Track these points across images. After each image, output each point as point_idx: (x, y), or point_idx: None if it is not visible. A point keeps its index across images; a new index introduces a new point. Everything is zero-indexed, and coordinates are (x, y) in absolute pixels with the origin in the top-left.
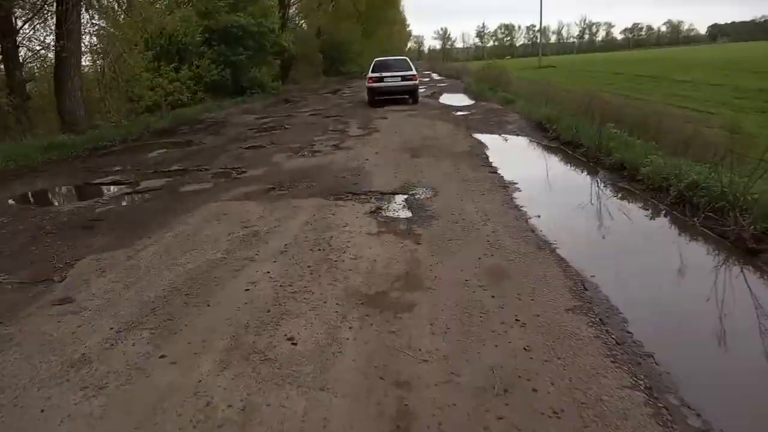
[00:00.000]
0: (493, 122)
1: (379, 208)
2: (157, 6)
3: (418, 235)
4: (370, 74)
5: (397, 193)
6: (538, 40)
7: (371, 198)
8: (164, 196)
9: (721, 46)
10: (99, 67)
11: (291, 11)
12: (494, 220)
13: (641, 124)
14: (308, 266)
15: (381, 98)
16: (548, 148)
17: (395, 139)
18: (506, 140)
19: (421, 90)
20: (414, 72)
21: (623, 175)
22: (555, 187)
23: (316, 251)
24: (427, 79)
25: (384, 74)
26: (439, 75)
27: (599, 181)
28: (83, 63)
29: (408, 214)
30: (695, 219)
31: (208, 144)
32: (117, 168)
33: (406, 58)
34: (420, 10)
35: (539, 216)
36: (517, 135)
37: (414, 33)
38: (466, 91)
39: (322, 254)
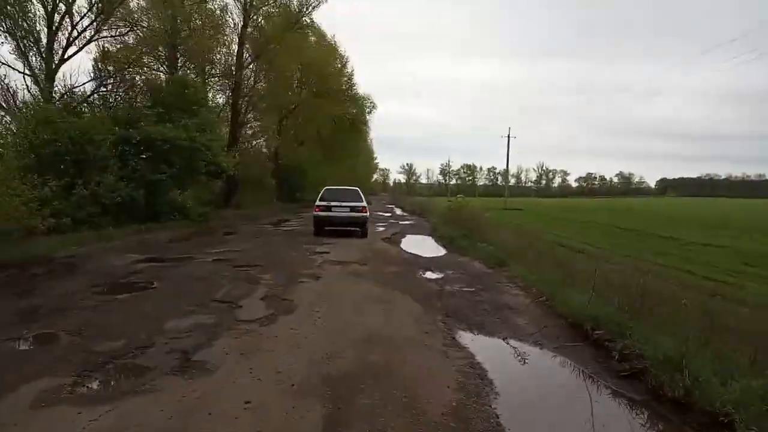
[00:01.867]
0: (485, 304)
1: None
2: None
3: None
4: (317, 202)
5: None
6: (502, 182)
7: None
8: None
9: (675, 199)
10: None
11: (245, 131)
12: None
13: None
14: None
15: (328, 228)
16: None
17: (313, 337)
18: (530, 366)
19: (380, 228)
20: (364, 204)
21: None
22: None
23: None
24: (389, 215)
25: (332, 203)
26: (403, 210)
27: None
28: None
29: None
30: None
31: None
32: None
33: (357, 189)
34: (383, 142)
35: None
36: (540, 347)
37: (380, 166)
38: (433, 234)
39: None
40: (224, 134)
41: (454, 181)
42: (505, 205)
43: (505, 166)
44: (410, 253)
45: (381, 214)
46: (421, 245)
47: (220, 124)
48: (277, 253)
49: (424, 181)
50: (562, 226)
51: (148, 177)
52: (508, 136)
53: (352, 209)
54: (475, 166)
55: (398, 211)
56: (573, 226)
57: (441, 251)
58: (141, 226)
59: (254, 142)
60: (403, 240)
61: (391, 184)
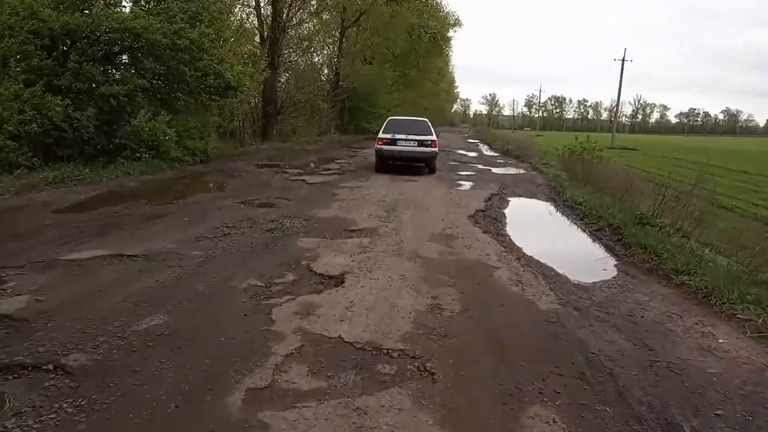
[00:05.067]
0: None
1: None
2: None
3: None
4: (380, 135)
5: None
6: (593, 116)
7: None
8: None
9: None
10: None
11: (288, 38)
12: None
13: None
14: None
15: (391, 164)
16: None
17: None
18: None
19: (463, 183)
20: (434, 137)
21: None
22: None
23: None
24: (474, 155)
25: (397, 136)
26: (491, 148)
27: None
28: None
29: None
30: None
31: None
32: None
33: (426, 120)
34: (464, 71)
35: None
36: None
37: (461, 96)
38: (561, 202)
39: None
40: (252, 38)
41: (539, 114)
42: (611, 144)
43: (593, 98)
44: (555, 272)
45: (463, 153)
46: (567, 237)
47: (250, 33)
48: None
49: (507, 112)
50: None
51: (100, 88)
52: (623, 60)
53: (420, 143)
54: (563, 98)
55: (485, 149)
56: (722, 176)
57: (627, 273)
58: (56, 173)
59: (305, 57)
60: (510, 219)
61: (472, 116)
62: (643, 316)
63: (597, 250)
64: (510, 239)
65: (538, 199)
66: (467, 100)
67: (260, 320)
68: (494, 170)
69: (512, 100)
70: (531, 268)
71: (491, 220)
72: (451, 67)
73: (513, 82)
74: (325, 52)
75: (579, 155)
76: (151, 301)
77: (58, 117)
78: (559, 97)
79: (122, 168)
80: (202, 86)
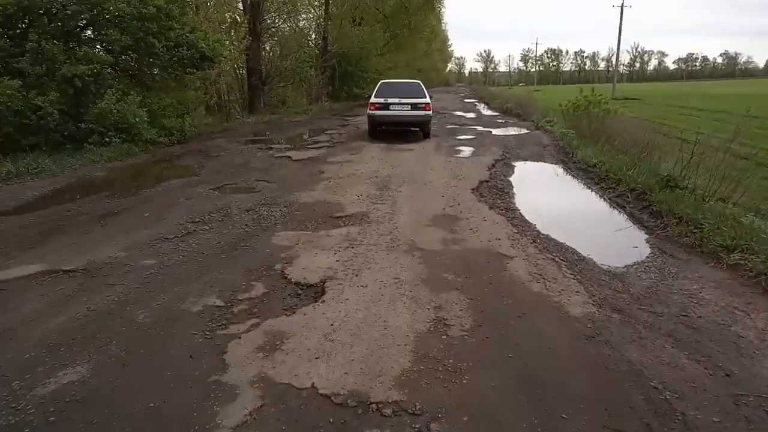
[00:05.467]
0: None
1: None
2: None
3: None
4: (372, 99)
5: None
6: (591, 67)
7: None
8: None
9: None
10: None
11: (270, 3)
12: None
13: None
14: None
15: (384, 129)
16: None
17: None
18: None
19: (463, 149)
20: (427, 100)
21: None
22: None
23: None
24: (473, 116)
25: (390, 100)
26: (489, 107)
27: None
28: None
29: None
30: None
31: None
32: None
33: (419, 83)
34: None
35: None
36: None
37: (455, 54)
38: (574, 166)
39: None
40: (233, 4)
41: (536, 68)
42: (612, 95)
43: (591, 48)
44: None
45: (461, 115)
46: (586, 220)
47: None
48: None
49: (503, 69)
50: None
51: (62, 69)
52: (621, 6)
53: (414, 107)
54: (560, 50)
55: (483, 109)
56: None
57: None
58: (9, 167)
59: (290, 22)
60: (518, 189)
61: (467, 74)
62: (700, 316)
63: (621, 222)
64: (521, 214)
65: (546, 162)
66: (462, 58)
67: (210, 365)
68: (495, 132)
69: (508, 56)
70: (550, 254)
71: (497, 191)
72: (443, 24)
73: (507, 38)
74: (311, 15)
75: (585, 110)
76: (72, 342)
77: (17, 103)
78: (555, 50)
79: (90, 155)
80: (175, 59)
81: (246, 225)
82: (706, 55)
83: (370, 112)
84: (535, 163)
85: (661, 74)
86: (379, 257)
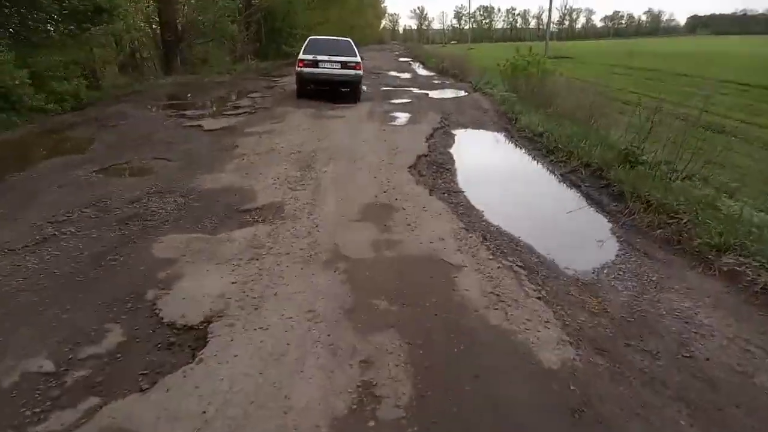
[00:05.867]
0: None
1: None
2: None
3: None
4: (301, 56)
5: None
6: (522, 25)
7: None
8: None
9: (711, 39)
10: None
11: None
12: None
13: None
14: None
15: (313, 88)
16: None
17: None
18: None
19: (399, 114)
20: (358, 59)
21: None
22: None
23: None
24: (408, 77)
25: (319, 58)
26: (425, 66)
27: None
28: None
29: None
30: None
31: None
32: None
33: (350, 40)
34: None
35: None
36: None
37: (389, 11)
38: (526, 140)
39: None
40: None
41: (469, 26)
42: (545, 53)
43: (521, 6)
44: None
45: (396, 75)
46: (540, 205)
47: None
48: None
49: (437, 26)
50: (650, 86)
51: None
52: None
53: (344, 65)
54: (492, 8)
55: (419, 68)
56: (662, 82)
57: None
58: None
59: None
60: (460, 164)
61: (401, 32)
62: (708, 359)
63: (579, 205)
64: (465, 198)
65: (488, 129)
66: (395, 14)
67: None
68: (432, 94)
69: (441, 13)
70: (506, 259)
71: (437, 168)
72: None
73: None
74: None
75: (524, 70)
76: None
77: None
78: (488, 7)
79: None
80: (66, 11)
81: (125, 224)
82: (632, 12)
83: (299, 69)
84: (476, 131)
85: (590, 32)
86: (290, 275)
